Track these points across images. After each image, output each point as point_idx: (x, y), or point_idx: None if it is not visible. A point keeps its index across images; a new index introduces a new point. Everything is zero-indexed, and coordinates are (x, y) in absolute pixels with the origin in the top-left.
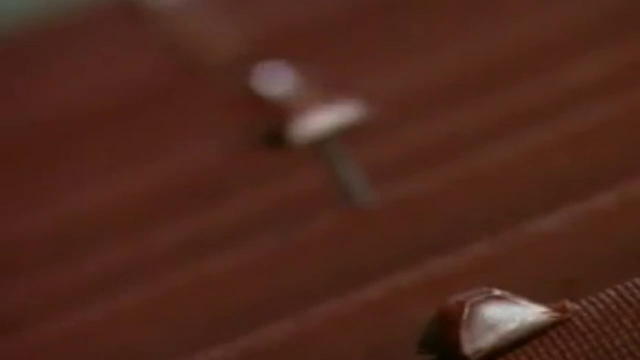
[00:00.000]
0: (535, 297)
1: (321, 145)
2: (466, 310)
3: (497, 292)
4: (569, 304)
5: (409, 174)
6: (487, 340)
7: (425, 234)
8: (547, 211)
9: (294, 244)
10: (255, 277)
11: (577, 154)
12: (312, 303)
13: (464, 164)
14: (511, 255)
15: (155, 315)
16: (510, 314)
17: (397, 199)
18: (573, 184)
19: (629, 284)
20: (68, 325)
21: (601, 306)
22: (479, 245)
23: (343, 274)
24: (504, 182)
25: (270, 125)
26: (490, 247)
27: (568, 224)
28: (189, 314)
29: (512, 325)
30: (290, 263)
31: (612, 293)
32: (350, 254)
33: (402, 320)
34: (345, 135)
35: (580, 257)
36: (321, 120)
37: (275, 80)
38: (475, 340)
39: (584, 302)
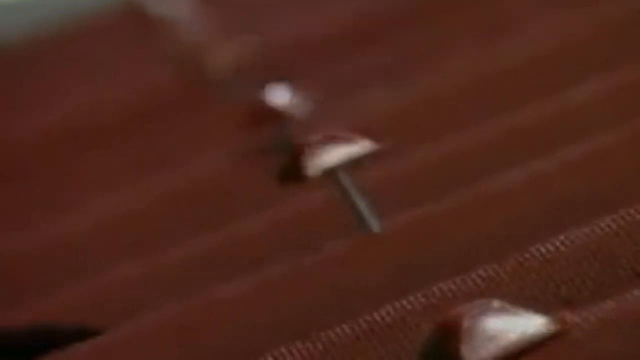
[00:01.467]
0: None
1: (331, 171)
2: (467, 322)
3: (497, 303)
4: (568, 316)
5: (415, 199)
6: (487, 351)
7: (431, 258)
8: (550, 235)
9: (304, 267)
10: (266, 300)
11: (578, 180)
12: (323, 326)
13: (470, 189)
14: (515, 278)
15: (168, 338)
16: (511, 326)
17: (404, 223)
18: (574, 209)
19: (628, 296)
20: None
21: (601, 318)
22: (485, 269)
23: (352, 297)
24: (509, 206)
25: (286, 161)
26: (495, 270)
27: (570, 248)
28: (201, 337)
29: (512, 337)
30: (300, 286)
31: (612, 304)
32: (359, 278)
33: (412, 343)
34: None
35: (581, 280)
36: (335, 153)
37: (281, 95)
38: (476, 352)
39: (583, 313)
